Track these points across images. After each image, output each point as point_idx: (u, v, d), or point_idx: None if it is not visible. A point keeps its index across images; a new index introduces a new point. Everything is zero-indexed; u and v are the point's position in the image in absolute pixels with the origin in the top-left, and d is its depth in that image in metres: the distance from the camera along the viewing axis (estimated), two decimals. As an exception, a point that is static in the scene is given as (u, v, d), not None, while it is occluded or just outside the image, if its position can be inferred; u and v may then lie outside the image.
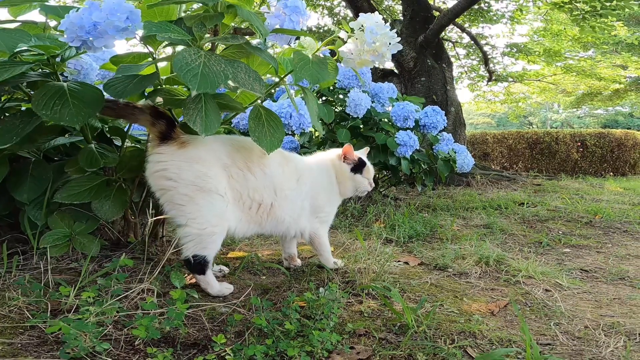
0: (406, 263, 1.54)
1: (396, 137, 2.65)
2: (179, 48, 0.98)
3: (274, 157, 1.19)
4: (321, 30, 7.23)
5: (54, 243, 1.38)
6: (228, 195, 1.13)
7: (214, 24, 1.06)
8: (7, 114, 1.36)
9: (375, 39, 1.06)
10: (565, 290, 1.32)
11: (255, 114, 1.06)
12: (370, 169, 1.44)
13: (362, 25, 1.08)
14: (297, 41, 1.48)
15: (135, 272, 1.33)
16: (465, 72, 7.95)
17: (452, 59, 7.74)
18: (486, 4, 6.12)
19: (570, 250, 2.00)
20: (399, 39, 1.10)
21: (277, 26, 1.20)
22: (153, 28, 0.92)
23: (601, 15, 4.39)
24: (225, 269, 1.41)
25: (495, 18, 6.64)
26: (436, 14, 6.27)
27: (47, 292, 1.10)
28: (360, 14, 1.15)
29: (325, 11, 7.87)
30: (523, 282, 1.35)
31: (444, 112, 2.97)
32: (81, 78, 1.44)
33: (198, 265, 1.12)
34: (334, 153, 1.44)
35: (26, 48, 1.08)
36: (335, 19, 7.63)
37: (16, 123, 1.15)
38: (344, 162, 1.40)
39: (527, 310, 1.16)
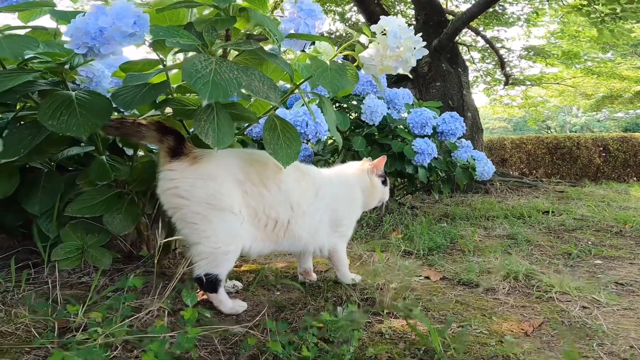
0: (427, 278, 1.47)
1: (413, 145, 2.58)
2: (190, 54, 0.95)
3: (290, 171, 1.13)
4: (333, 36, 7.23)
5: (65, 256, 1.36)
6: (243, 212, 1.08)
7: (225, 28, 1.02)
8: (22, 122, 1.35)
9: (398, 44, 1.00)
10: (604, 307, 1.23)
11: (270, 125, 1.02)
12: (388, 179, 1.42)
13: (384, 29, 1.03)
14: (312, 46, 1.44)
15: (148, 287, 1.29)
16: (481, 76, 7.84)
17: (467, 63, 7.64)
18: (501, 7, 6.04)
19: (601, 262, 1.90)
20: (425, 43, 1.04)
21: (292, 31, 1.16)
22: (160, 33, 0.88)
23: (620, 18, 4.26)
24: (239, 285, 1.36)
25: (510, 21, 6.53)
26: (450, 17, 6.21)
27: (55, 309, 1.07)
28: (382, 17, 1.09)
29: (337, 17, 7.88)
30: (557, 298, 1.27)
31: (462, 118, 2.89)
32: (93, 86, 1.42)
33: (210, 283, 1.08)
34: (355, 166, 1.39)
35: (33, 55, 1.05)
36: (347, 24, 7.63)
37: (24, 134, 1.12)
38: (376, 175, 1.36)
39: (564, 330, 1.08)
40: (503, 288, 1.33)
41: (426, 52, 1.06)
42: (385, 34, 1.01)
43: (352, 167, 1.38)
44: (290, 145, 1.02)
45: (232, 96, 0.83)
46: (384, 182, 1.39)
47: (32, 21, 1.33)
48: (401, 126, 2.82)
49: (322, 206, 1.23)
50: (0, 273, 1.34)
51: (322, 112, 1.09)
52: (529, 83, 7.60)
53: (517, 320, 1.11)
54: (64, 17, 1.19)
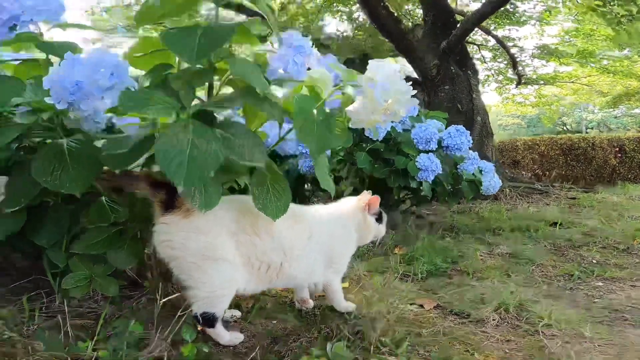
0: (421, 306, 1.54)
1: (417, 162, 2.61)
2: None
3: (283, 219, 1.17)
4: (340, 37, 7.24)
5: (75, 285, 1.46)
6: (236, 260, 1.16)
7: (204, 83, 1.04)
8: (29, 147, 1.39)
9: (387, 97, 1.01)
10: (586, 342, 1.28)
11: (259, 180, 1.06)
12: (384, 216, 1.48)
13: (371, 79, 1.04)
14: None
15: (152, 315, 1.38)
16: (492, 75, 7.79)
17: (478, 62, 7.59)
18: (512, 6, 5.99)
19: (602, 284, 1.93)
20: (415, 91, 1.06)
21: (281, 70, 1.17)
22: (130, 103, 0.89)
23: (636, 19, 4.24)
24: (237, 314, 1.45)
25: (523, 19, 6.48)
26: (459, 18, 6.18)
27: (68, 341, 1.17)
28: (371, 62, 1.11)
29: (344, 16, 7.89)
30: (542, 332, 1.32)
31: (468, 132, 2.88)
32: (89, 117, 1.46)
33: (207, 320, 1.17)
34: (350, 204, 1.45)
35: (21, 101, 1.07)
36: (354, 24, 7.63)
37: (25, 182, 1.15)
38: (369, 214, 1.42)
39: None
40: (493, 320, 1.39)
41: (416, 102, 1.09)
42: (373, 81, 1.03)
43: (347, 205, 1.44)
44: (280, 198, 1.07)
45: (210, 177, 0.85)
46: (378, 220, 1.44)
47: (24, 51, 1.35)
48: (406, 140, 2.83)
49: (316, 247, 1.30)
50: (15, 299, 1.46)
51: (314, 165, 1.12)
52: (542, 82, 7.52)
53: (497, 357, 1.17)
54: (51, 50, 1.23)
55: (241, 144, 0.93)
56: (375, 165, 2.77)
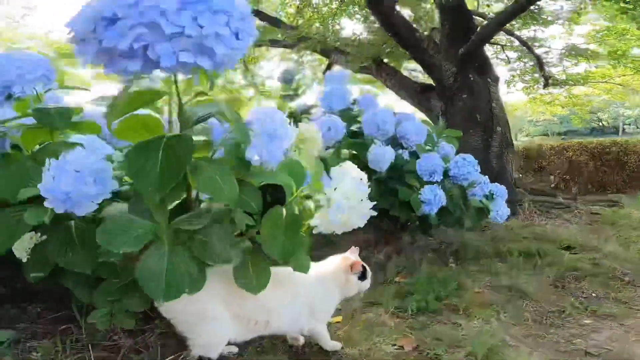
0: (401, 347, 1.71)
1: (420, 194, 2.69)
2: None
3: (269, 283, 1.36)
4: (356, 42, 7.28)
5: (98, 319, 1.74)
6: (227, 319, 1.39)
7: (179, 198, 1.13)
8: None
9: (342, 217, 1.15)
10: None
11: (241, 265, 1.24)
12: (368, 272, 1.66)
13: (330, 199, 1.18)
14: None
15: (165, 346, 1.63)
16: (518, 75, 7.68)
17: (502, 62, 7.50)
18: (536, 7, 5.91)
19: (591, 321, 2.01)
20: (372, 203, 1.20)
21: (256, 157, 1.22)
22: (107, 238, 0.99)
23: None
24: (235, 350, 1.66)
25: (549, 19, 6.37)
26: (479, 19, 6.15)
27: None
28: (333, 170, 1.27)
29: (361, 18, 7.93)
30: (500, 383, 1.47)
31: (476, 161, 2.96)
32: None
33: (205, 363, 1.41)
34: (334, 265, 1.63)
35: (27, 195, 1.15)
36: (370, 28, 7.68)
37: (47, 255, 1.30)
38: (352, 273, 1.60)
39: None
40: (462, 367, 1.56)
41: (374, 213, 1.22)
42: (331, 200, 1.16)
43: (331, 266, 1.62)
44: (260, 277, 1.25)
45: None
46: (361, 277, 1.62)
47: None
48: (411, 169, 2.88)
49: (300, 305, 1.51)
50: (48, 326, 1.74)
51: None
52: (572, 83, 7.37)
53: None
54: (48, 118, 1.32)
55: (217, 249, 1.08)
56: (380, 195, 2.84)
